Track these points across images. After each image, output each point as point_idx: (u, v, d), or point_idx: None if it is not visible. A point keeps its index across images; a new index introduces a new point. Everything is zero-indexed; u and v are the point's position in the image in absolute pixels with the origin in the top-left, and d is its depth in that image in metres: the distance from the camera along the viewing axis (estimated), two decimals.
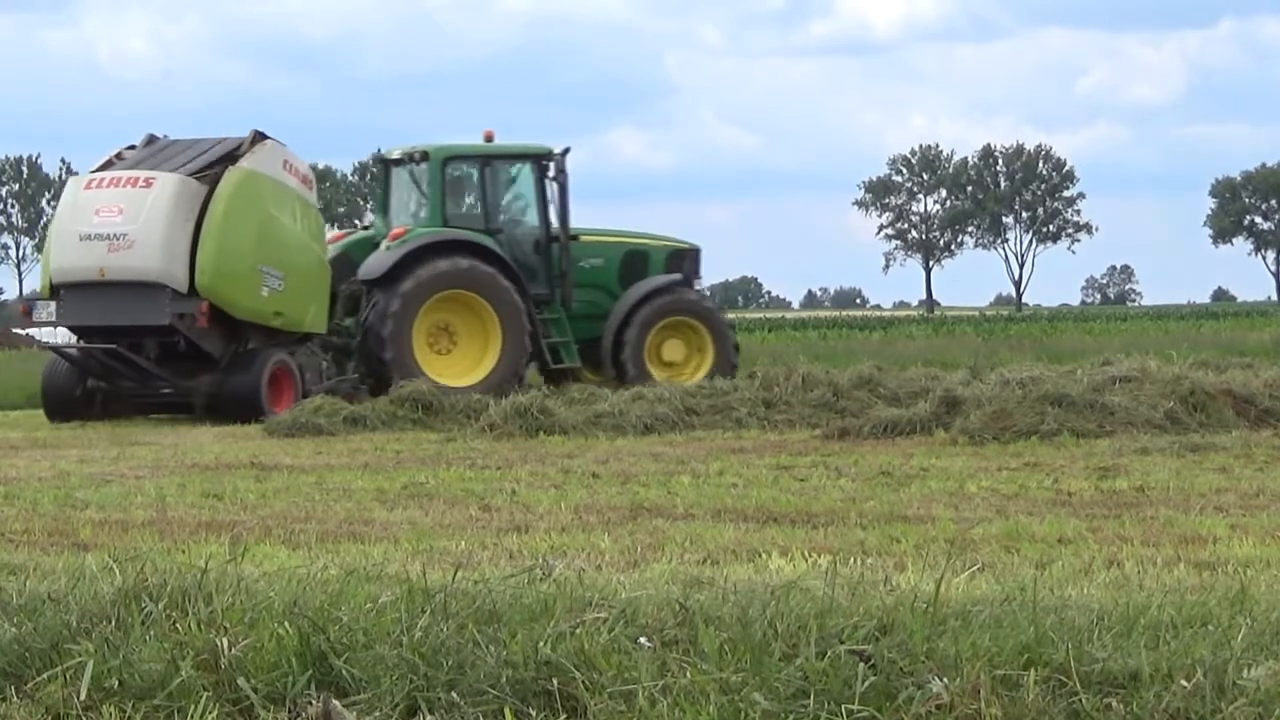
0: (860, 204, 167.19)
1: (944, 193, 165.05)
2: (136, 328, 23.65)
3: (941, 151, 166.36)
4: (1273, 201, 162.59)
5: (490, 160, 26.53)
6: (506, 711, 5.46)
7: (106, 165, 24.59)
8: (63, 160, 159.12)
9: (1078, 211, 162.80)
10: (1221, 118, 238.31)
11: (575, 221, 26.79)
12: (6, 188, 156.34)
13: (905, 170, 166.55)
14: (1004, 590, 7.07)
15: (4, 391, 30.55)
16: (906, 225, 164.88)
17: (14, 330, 73.69)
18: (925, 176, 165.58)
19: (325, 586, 6.77)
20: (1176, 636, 5.77)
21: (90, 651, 5.92)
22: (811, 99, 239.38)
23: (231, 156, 24.05)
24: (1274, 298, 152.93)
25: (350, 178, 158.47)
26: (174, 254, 23.22)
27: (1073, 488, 12.96)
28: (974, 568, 8.53)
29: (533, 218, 26.68)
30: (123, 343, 23.88)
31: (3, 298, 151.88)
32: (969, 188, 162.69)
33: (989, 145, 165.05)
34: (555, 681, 5.52)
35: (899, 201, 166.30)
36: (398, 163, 26.77)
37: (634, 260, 27.11)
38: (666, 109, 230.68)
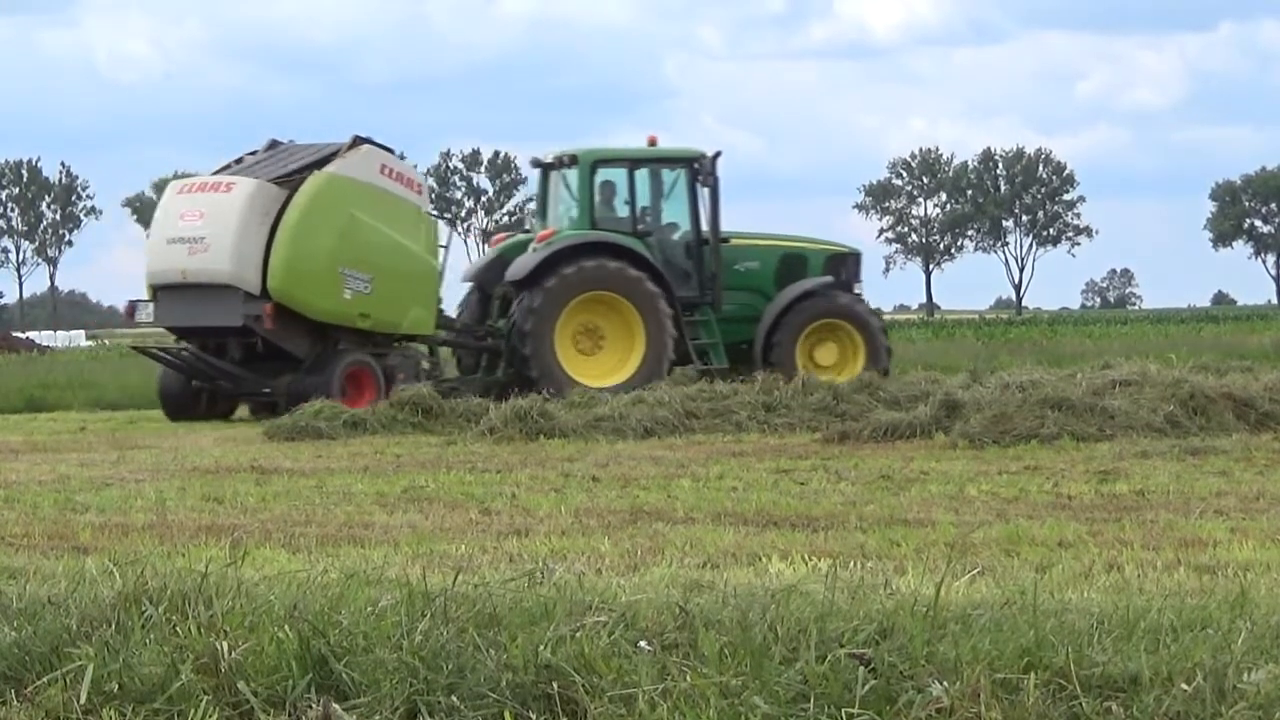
0: (860, 207, 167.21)
1: (944, 196, 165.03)
2: (215, 328, 24.27)
3: (941, 155, 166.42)
4: (1273, 205, 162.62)
5: (639, 164, 26.67)
6: (506, 715, 5.46)
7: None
8: (63, 164, 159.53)
9: (1078, 215, 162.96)
10: (1221, 121, 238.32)
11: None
12: (6, 191, 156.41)
13: (905, 174, 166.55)
14: (1004, 594, 7.07)
15: (4, 396, 30.54)
16: (906, 229, 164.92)
17: (14, 334, 73.97)
18: (925, 180, 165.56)
19: (325, 590, 6.77)
20: (1176, 640, 5.77)
21: (90, 655, 5.92)
22: (811, 102, 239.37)
23: (322, 162, 24.43)
24: (1274, 301, 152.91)
25: None
26: (245, 257, 23.70)
27: (1073, 491, 12.96)
28: (974, 571, 8.52)
29: (683, 221, 26.80)
30: (210, 343, 24.62)
31: (2, 301, 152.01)
32: (969, 191, 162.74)
33: (989, 149, 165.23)
34: (555, 685, 5.52)
35: (899, 205, 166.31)
36: (551, 166, 26.99)
37: (791, 263, 27.14)
38: (666, 112, 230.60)
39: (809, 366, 25.93)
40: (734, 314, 26.43)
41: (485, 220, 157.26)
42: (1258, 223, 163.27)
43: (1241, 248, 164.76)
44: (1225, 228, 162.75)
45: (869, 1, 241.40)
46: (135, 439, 21.28)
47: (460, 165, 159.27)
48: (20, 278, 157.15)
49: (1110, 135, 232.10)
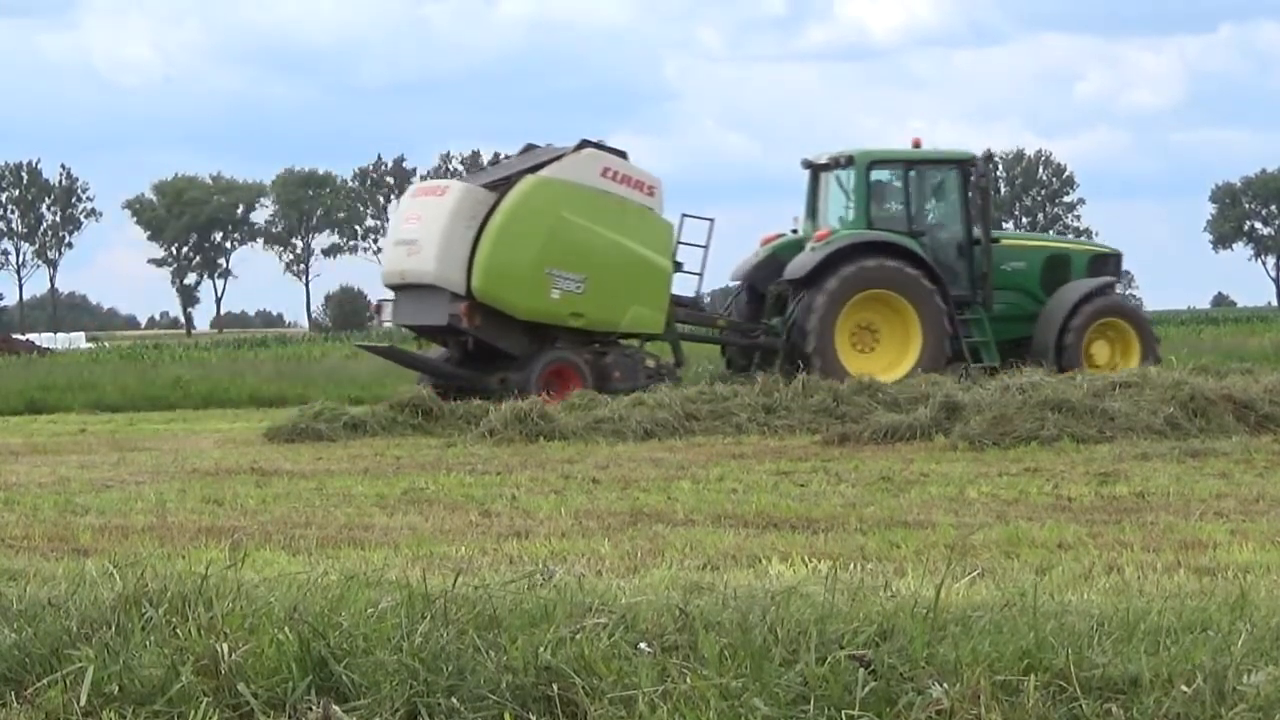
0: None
1: None
2: (431, 327, 25.36)
3: None
4: (1273, 207, 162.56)
5: (914, 165, 27.14)
6: (506, 717, 5.46)
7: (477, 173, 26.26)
8: (63, 166, 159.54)
9: (1078, 217, 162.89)
10: (1221, 123, 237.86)
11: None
12: (6, 193, 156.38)
13: None
14: (1004, 595, 7.07)
15: (4, 398, 30.55)
16: None
17: (14, 336, 74.02)
18: None
19: (325, 592, 6.77)
20: (1176, 642, 5.77)
21: (90, 657, 5.92)
22: (811, 104, 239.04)
23: (543, 165, 25.15)
24: (1274, 303, 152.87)
25: (350, 183, 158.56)
26: (450, 258, 24.48)
27: (1073, 493, 12.96)
28: (974, 573, 8.53)
29: (955, 221, 27.16)
30: (439, 340, 25.86)
31: (2, 303, 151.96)
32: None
33: (989, 151, 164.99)
34: (555, 687, 5.52)
35: None
36: (824, 167, 27.40)
37: (1056, 264, 27.61)
38: (666, 114, 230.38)
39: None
40: (1001, 313, 26.86)
41: None
42: (1258, 224, 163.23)
43: (1241, 250, 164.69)
44: (1225, 230, 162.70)
45: (868, 3, 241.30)
46: (135, 441, 21.29)
47: (460, 167, 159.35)
48: (20, 280, 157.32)
49: (1110, 137, 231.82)
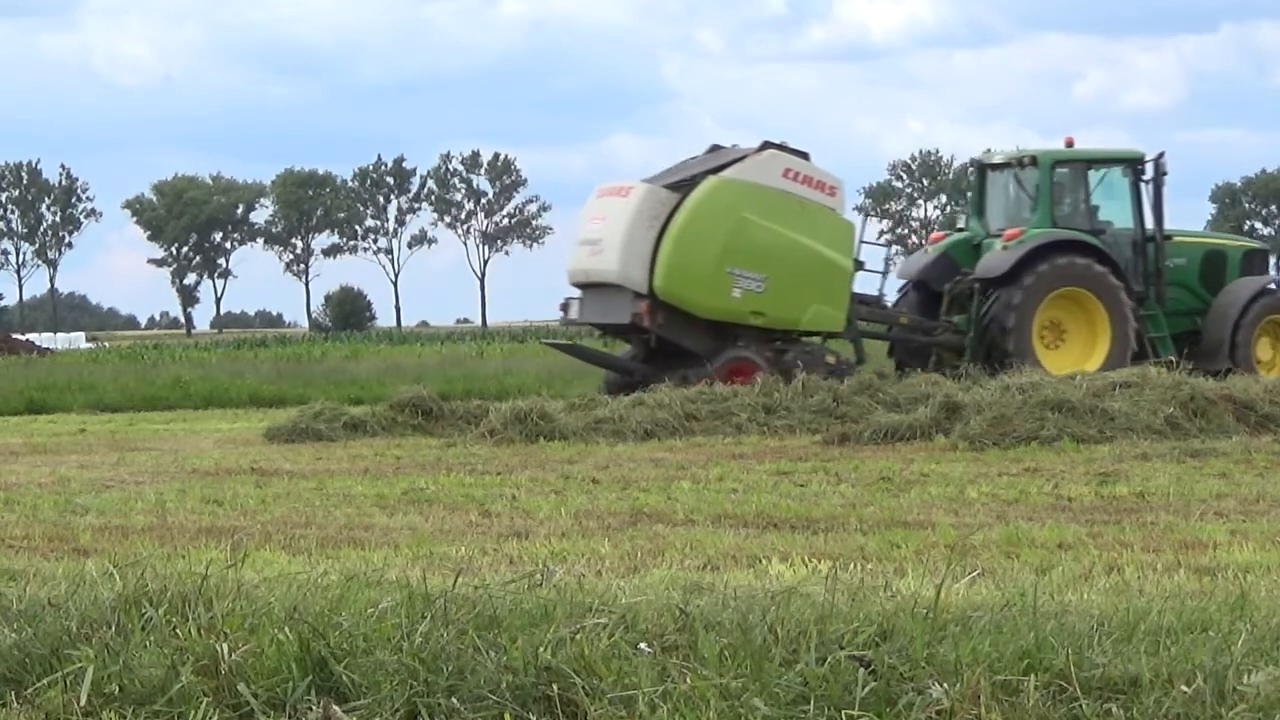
0: (860, 209, 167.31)
1: (944, 198, 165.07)
2: (614, 325, 25.80)
3: (941, 157, 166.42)
4: (1273, 207, 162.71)
5: (1092, 164, 27.40)
6: (506, 717, 5.46)
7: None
8: (63, 166, 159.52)
9: None
10: (1221, 123, 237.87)
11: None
12: (6, 193, 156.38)
13: (905, 176, 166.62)
14: (1004, 596, 7.07)
15: (4, 398, 30.54)
16: (907, 230, 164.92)
17: (14, 336, 74.05)
18: (925, 182, 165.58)
19: (325, 592, 6.77)
20: (1177, 642, 5.77)
21: (90, 657, 5.92)
22: (811, 105, 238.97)
23: (725, 167, 25.40)
24: None
25: (350, 183, 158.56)
26: (632, 258, 24.82)
27: (1073, 493, 12.96)
28: (974, 573, 8.53)
29: (1128, 219, 27.37)
30: (625, 339, 26.42)
31: (2, 303, 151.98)
32: (969, 193, 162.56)
33: (989, 151, 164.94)
34: (555, 687, 5.52)
35: (899, 207, 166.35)
36: (997, 167, 27.78)
37: (1213, 259, 27.84)
38: (665, 115, 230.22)
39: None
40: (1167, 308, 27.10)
41: (485, 222, 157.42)
42: (1258, 224, 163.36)
43: None
44: (1225, 230, 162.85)
45: (868, 4, 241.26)
46: (135, 441, 21.28)
47: (460, 167, 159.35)
48: (20, 280, 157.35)
49: (1109, 137, 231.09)
